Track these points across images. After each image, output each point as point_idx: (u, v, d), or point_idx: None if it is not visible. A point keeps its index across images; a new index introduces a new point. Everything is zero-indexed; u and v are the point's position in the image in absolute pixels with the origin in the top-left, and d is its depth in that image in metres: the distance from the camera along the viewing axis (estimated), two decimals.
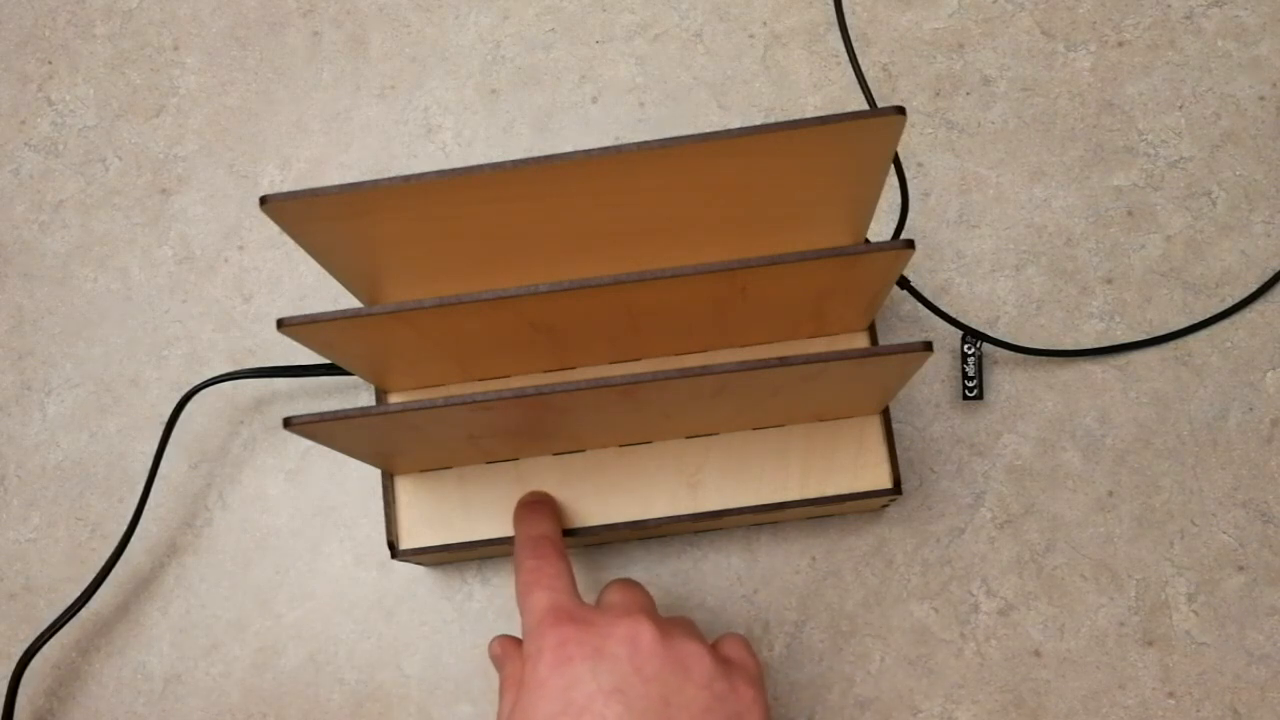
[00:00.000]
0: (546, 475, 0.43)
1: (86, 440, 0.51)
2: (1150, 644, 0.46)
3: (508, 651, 0.39)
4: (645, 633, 0.35)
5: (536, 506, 0.42)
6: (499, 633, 0.48)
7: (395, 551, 0.43)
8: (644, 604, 0.37)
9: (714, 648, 0.37)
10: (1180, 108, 0.52)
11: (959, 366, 0.49)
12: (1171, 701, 0.46)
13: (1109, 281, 0.50)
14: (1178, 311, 0.49)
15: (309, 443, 0.50)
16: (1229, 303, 0.49)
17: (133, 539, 0.48)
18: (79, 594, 0.47)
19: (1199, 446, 0.48)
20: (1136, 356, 0.49)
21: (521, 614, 0.38)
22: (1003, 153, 0.51)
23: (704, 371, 0.33)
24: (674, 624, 0.37)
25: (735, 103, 0.53)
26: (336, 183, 0.32)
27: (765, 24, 0.54)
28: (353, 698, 0.47)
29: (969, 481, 0.48)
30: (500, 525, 0.43)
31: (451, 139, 0.53)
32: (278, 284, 0.52)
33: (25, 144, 0.54)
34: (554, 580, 0.38)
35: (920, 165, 0.51)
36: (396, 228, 0.35)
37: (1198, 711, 0.46)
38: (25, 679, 0.47)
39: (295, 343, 0.49)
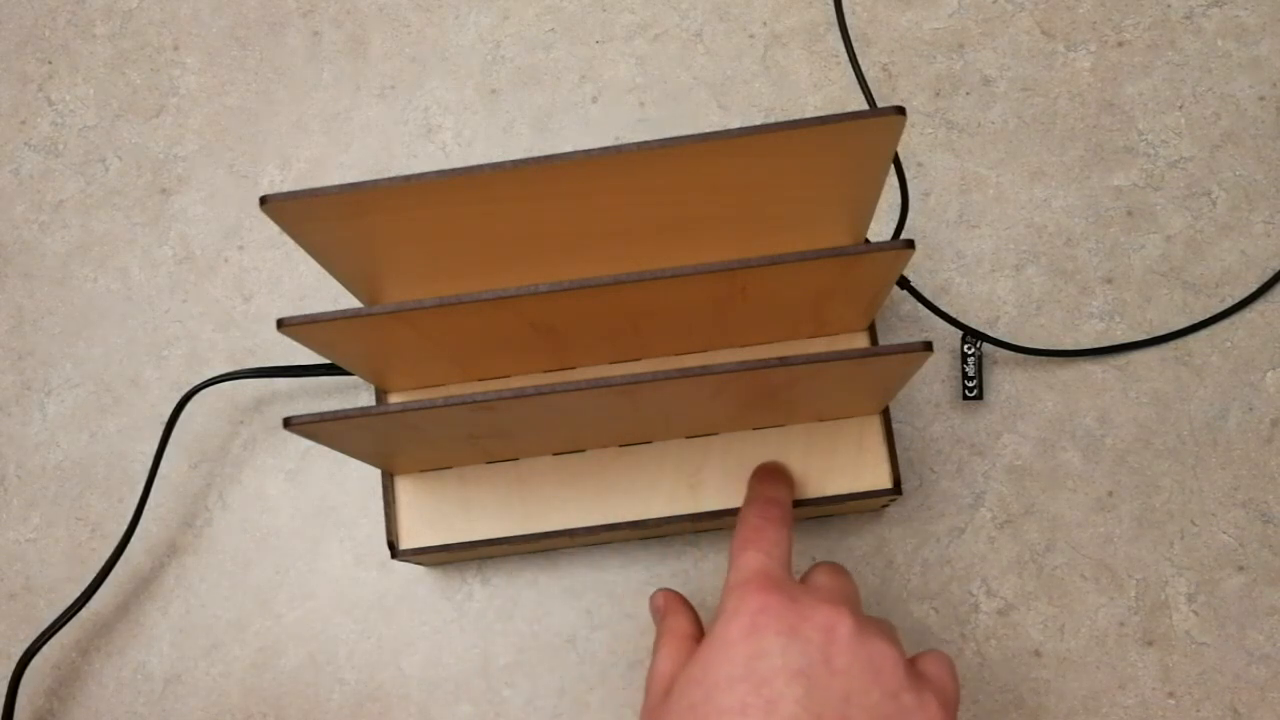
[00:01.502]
0: (546, 475, 0.43)
1: (86, 440, 0.51)
2: (1150, 644, 0.46)
3: (672, 605, 0.39)
4: (844, 624, 0.34)
5: (777, 473, 0.42)
6: (499, 632, 0.48)
7: (395, 551, 0.43)
8: (849, 595, 0.37)
9: (912, 660, 0.36)
10: (1180, 108, 0.51)
11: (959, 366, 0.49)
12: (1171, 701, 0.46)
13: (1109, 281, 0.50)
14: (1178, 311, 0.49)
15: (309, 443, 0.50)
16: (1229, 303, 0.49)
17: (133, 539, 0.48)
18: (79, 594, 0.47)
19: (1199, 446, 0.48)
20: (1136, 356, 0.49)
21: (730, 568, 0.37)
22: (1003, 153, 0.51)
23: (704, 371, 0.33)
24: (874, 624, 0.36)
25: (735, 103, 0.53)
26: (336, 183, 0.32)
27: (765, 24, 0.54)
28: (353, 698, 0.47)
29: (969, 481, 0.48)
30: (500, 525, 0.43)
31: (451, 139, 0.53)
32: (278, 284, 0.52)
33: (25, 144, 0.54)
34: (772, 546, 0.37)
35: (920, 165, 0.51)
36: (396, 228, 0.35)
37: (1198, 711, 0.46)
38: (25, 679, 0.47)
39: (295, 343, 0.49)
